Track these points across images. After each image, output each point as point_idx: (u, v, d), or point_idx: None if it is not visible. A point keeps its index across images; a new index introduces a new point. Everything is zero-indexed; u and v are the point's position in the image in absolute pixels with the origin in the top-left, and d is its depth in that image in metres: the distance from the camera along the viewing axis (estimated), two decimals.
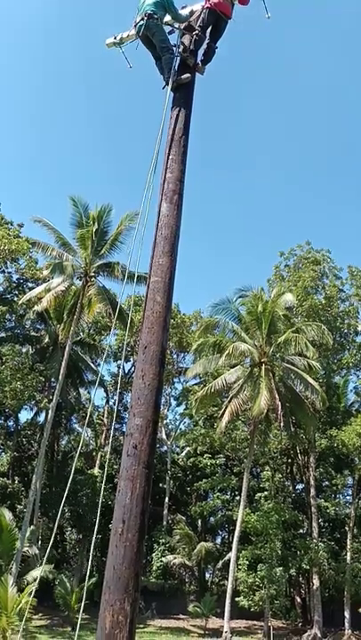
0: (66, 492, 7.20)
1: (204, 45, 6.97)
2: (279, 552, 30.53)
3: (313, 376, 27.95)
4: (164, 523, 37.58)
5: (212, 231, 78.75)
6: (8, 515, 25.20)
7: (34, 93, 75.17)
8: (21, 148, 76.29)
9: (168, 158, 6.04)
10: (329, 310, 33.72)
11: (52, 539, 7.03)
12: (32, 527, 28.37)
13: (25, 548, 26.02)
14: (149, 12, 6.67)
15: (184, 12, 7.02)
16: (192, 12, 7.02)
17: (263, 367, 26.70)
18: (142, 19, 6.68)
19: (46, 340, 33.72)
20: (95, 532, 7.87)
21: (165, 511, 38.03)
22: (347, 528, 34.32)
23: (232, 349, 25.90)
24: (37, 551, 26.99)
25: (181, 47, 6.82)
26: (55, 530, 7.27)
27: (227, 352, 25.94)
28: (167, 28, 6.99)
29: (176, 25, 7.04)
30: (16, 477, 38.96)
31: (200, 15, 6.96)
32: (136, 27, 6.78)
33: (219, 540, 42.84)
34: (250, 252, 78.73)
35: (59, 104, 77.15)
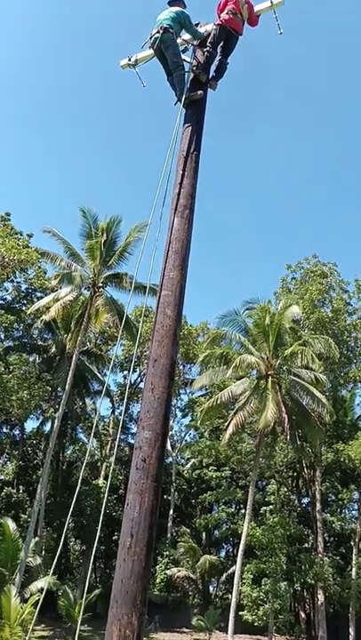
0: (72, 504, 7.21)
1: (216, 61, 7.08)
2: (284, 566, 30.25)
3: (320, 389, 27.84)
4: (169, 535, 37.39)
5: (220, 243, 79.02)
6: (12, 525, 25.11)
7: (47, 104, 75.96)
8: (34, 160, 76.98)
9: (180, 173, 6.11)
10: (336, 323, 33.65)
11: (58, 550, 7.03)
12: (36, 538, 28.28)
13: (28, 559, 25.91)
14: (166, 25, 6.76)
15: (200, 30, 7.14)
16: (206, 31, 7.14)
17: (270, 379, 26.62)
18: (158, 31, 6.76)
19: (53, 349, 33.80)
20: (96, 543, 7.85)
21: (170, 523, 37.85)
22: (352, 543, 33.99)
23: (239, 361, 25.85)
24: (41, 562, 26.87)
25: (194, 63, 6.92)
26: (62, 540, 7.22)
27: (234, 364, 25.89)
28: (181, 46, 7.10)
29: (189, 40, 7.16)
30: (21, 487, 38.92)
31: (212, 32, 7.08)
32: (151, 38, 6.86)
33: (223, 554, 42.53)
34: (258, 264, 78.86)
35: (73, 115, 77.92)
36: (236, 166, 79.01)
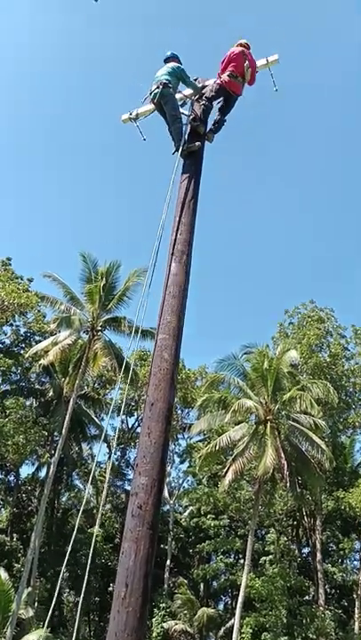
0: (67, 553, 7.05)
1: (216, 116, 7.41)
2: (284, 620, 29.26)
3: (319, 435, 27.59)
4: (165, 586, 36.22)
5: (218, 286, 79.56)
6: (4, 574, 24.42)
7: (49, 149, 77.89)
8: (35, 205, 78.34)
9: (178, 220, 6.28)
10: (334, 368, 33.66)
11: (53, 602, 6.80)
12: (29, 588, 27.41)
13: (20, 611, 25.05)
14: (165, 80, 7.16)
15: (198, 85, 7.51)
16: (204, 86, 7.50)
17: (269, 425, 26.40)
18: (157, 87, 7.16)
19: (51, 393, 33.62)
20: (83, 592, 7.64)
21: (167, 574, 36.72)
22: (355, 596, 33.02)
23: (238, 406, 25.71)
24: (33, 614, 25.97)
25: (192, 116, 7.23)
26: (57, 592, 6.99)
27: (232, 408, 25.74)
28: (180, 101, 7.46)
29: (188, 94, 7.51)
30: (15, 534, 37.95)
31: (209, 87, 7.43)
32: (151, 94, 7.25)
33: (221, 606, 41.10)
34: (256, 308, 79.22)
35: (74, 161, 79.77)
36: (234, 202, 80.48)
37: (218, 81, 7.37)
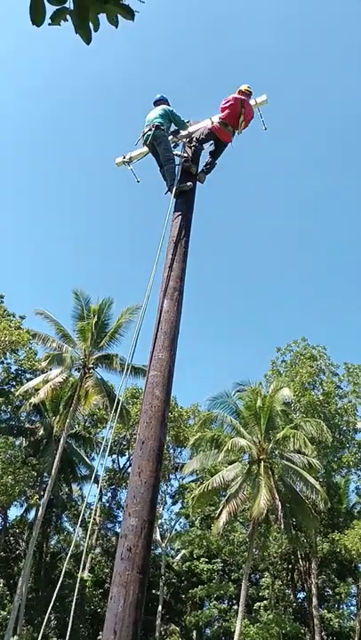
0: (54, 598, 6.84)
1: (207, 158, 7.59)
2: None
3: (313, 475, 27.20)
4: (157, 634, 34.97)
5: (209, 324, 79.78)
6: None
7: (41, 185, 78.96)
8: (28, 243, 78.98)
9: (170, 258, 6.33)
10: (327, 406, 33.46)
11: None
12: (15, 637, 26.40)
13: None
14: (157, 123, 7.35)
15: (189, 126, 7.70)
16: (196, 129, 7.70)
17: (262, 464, 26.03)
18: (150, 129, 7.35)
19: (41, 432, 33.09)
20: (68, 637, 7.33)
21: (158, 620, 35.52)
22: None
23: (231, 445, 25.38)
24: None
25: (185, 157, 7.38)
26: (40, 637, 6.70)
27: (226, 448, 25.39)
28: (172, 143, 7.65)
29: (180, 137, 7.69)
30: (1, 580, 36.72)
31: (199, 129, 7.63)
32: (144, 136, 7.43)
33: None
34: (248, 345, 79.31)
35: (68, 201, 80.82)
36: (227, 238, 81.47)
37: (209, 125, 7.55)
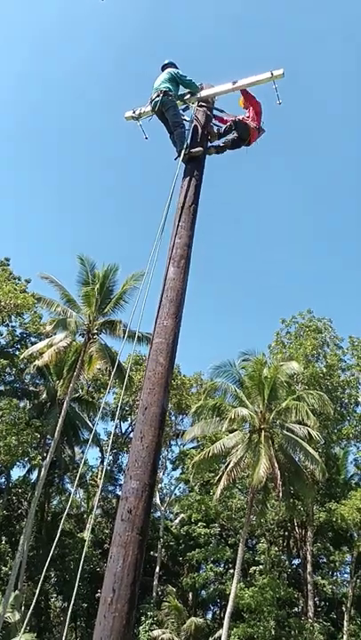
0: (50, 554, 6.98)
1: (221, 143, 7.47)
2: (273, 631, 29.05)
3: (313, 446, 27.48)
4: (154, 594, 35.97)
5: (215, 292, 79.52)
6: None
7: (48, 154, 78.05)
8: (34, 207, 78.40)
9: (177, 225, 6.25)
10: (330, 379, 33.60)
11: (31, 605, 6.69)
12: (16, 592, 27.20)
13: (7, 614, 24.84)
14: (164, 89, 7.17)
15: (203, 91, 7.50)
16: (211, 93, 7.49)
17: (263, 434, 26.30)
18: (158, 95, 7.17)
19: (44, 395, 33.46)
20: (74, 598, 7.56)
21: (155, 582, 36.48)
22: (344, 608, 32.80)
23: (234, 414, 25.60)
24: (20, 617, 25.75)
25: (195, 122, 7.23)
26: (37, 596, 6.93)
27: (229, 417, 25.61)
28: (182, 105, 7.47)
29: (188, 100, 7.51)
30: (3, 537, 37.67)
31: (236, 118, 7.45)
32: (152, 103, 7.25)
33: (210, 616, 40.84)
34: (252, 315, 79.18)
35: (73, 165, 79.91)
36: (234, 214, 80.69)
37: (249, 121, 7.46)
